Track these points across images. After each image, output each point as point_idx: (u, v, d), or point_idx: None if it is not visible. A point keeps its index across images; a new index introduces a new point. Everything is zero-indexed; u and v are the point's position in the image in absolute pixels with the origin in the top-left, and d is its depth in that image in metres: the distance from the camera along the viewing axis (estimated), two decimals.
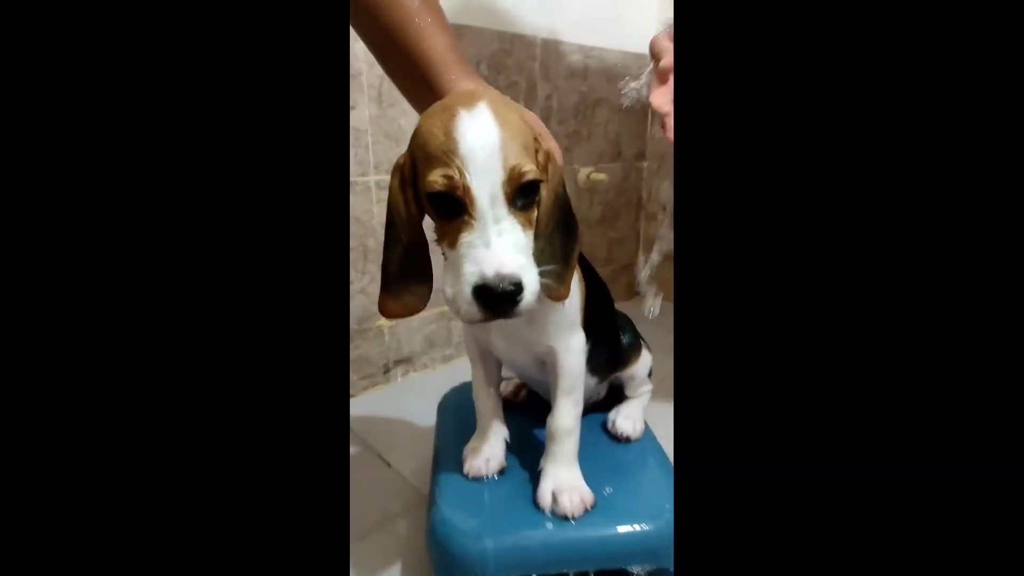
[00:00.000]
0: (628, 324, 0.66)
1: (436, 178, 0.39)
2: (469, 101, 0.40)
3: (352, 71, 0.89)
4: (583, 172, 1.27)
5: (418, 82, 0.51)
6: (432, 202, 0.41)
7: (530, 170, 0.40)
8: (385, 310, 0.46)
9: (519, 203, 0.41)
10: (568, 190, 0.48)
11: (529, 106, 1.14)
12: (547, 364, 0.53)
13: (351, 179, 0.92)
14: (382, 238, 0.99)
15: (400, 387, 1.04)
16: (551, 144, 0.47)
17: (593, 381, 0.62)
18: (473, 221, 0.39)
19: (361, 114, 0.91)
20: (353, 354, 0.99)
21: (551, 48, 1.15)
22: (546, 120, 1.18)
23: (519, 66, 1.10)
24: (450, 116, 0.40)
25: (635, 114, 1.36)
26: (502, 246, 0.39)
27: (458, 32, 0.99)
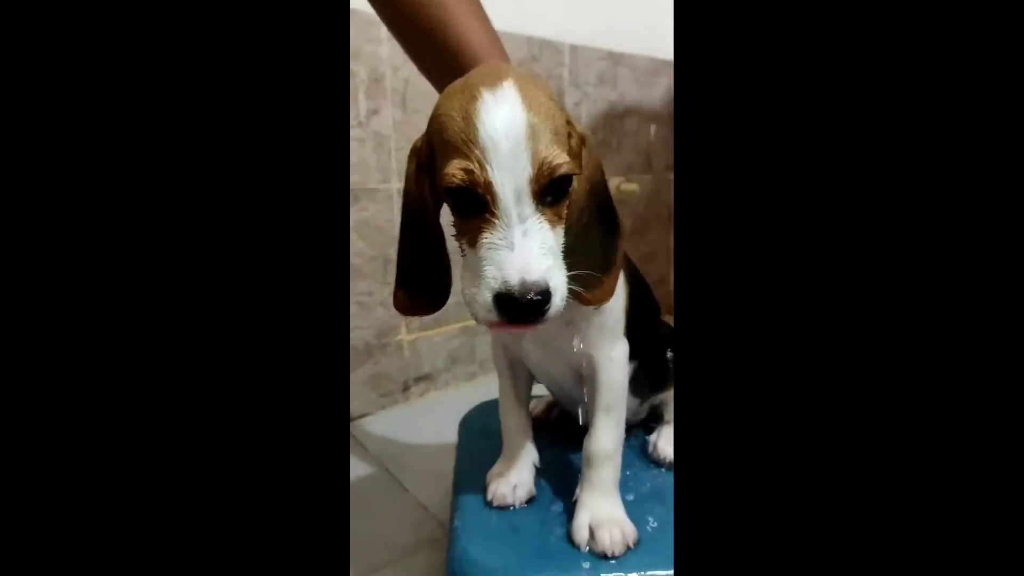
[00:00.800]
0: (673, 339, 0.59)
1: (454, 171, 0.34)
2: (493, 79, 0.35)
3: (376, 75, 0.86)
4: (613, 182, 1.22)
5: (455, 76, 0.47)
6: (450, 197, 0.36)
7: (563, 163, 0.35)
8: (398, 304, 0.42)
9: (548, 199, 0.36)
10: None
11: None
12: (585, 377, 0.47)
13: (374, 186, 0.88)
14: None
15: (420, 406, 0.98)
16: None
17: (635, 403, 0.56)
18: (495, 220, 0.34)
19: (384, 119, 0.88)
20: (372, 370, 0.94)
21: (580, 54, 1.11)
22: None
23: (547, 72, 1.07)
24: (470, 97, 0.35)
25: (666, 123, 1.31)
26: (528, 249, 0.34)
27: None
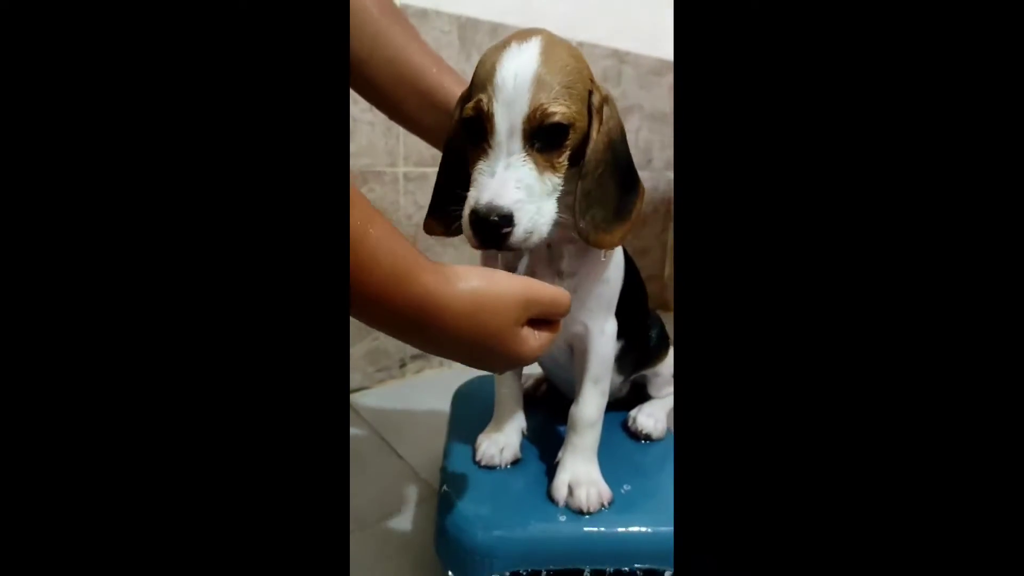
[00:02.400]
0: (657, 322, 0.64)
1: (470, 105, 0.40)
2: (526, 35, 0.40)
3: None
4: None
5: (440, 112, 0.52)
6: (464, 127, 0.42)
7: (557, 112, 0.39)
8: (427, 224, 0.48)
9: (538, 143, 0.40)
10: None
11: None
12: (576, 349, 0.51)
13: (381, 169, 0.92)
14: (409, 231, 0.99)
15: (415, 383, 1.02)
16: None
17: (619, 380, 0.60)
18: (489, 149, 0.39)
19: None
20: (370, 346, 0.98)
21: (585, 51, 1.14)
22: None
23: None
24: (503, 47, 0.40)
25: (667, 122, 1.35)
26: (504, 179, 0.39)
27: (493, 30, 0.99)
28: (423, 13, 0.90)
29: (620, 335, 0.52)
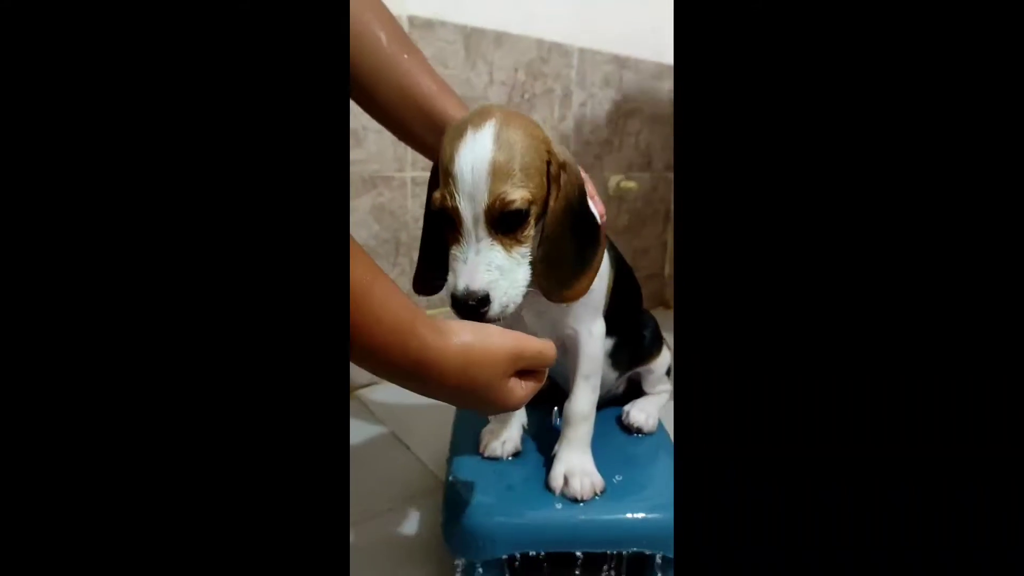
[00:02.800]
0: (651, 321, 0.67)
1: (436, 196, 0.44)
2: (480, 120, 0.43)
3: None
4: (613, 180, 1.29)
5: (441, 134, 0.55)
6: (435, 215, 0.45)
7: (516, 198, 0.42)
8: (414, 286, 0.51)
9: (502, 227, 0.43)
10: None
11: (563, 113, 1.17)
12: (568, 349, 0.55)
13: (390, 174, 0.96)
14: (415, 232, 1.03)
15: None
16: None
17: (613, 376, 0.64)
18: (460, 237, 0.43)
19: None
20: None
21: (587, 57, 1.18)
22: (579, 128, 1.21)
23: (555, 74, 1.13)
24: (459, 134, 0.43)
25: (667, 124, 1.38)
26: (476, 264, 0.43)
27: (497, 39, 1.03)
28: (428, 24, 0.94)
29: (612, 332, 0.56)
